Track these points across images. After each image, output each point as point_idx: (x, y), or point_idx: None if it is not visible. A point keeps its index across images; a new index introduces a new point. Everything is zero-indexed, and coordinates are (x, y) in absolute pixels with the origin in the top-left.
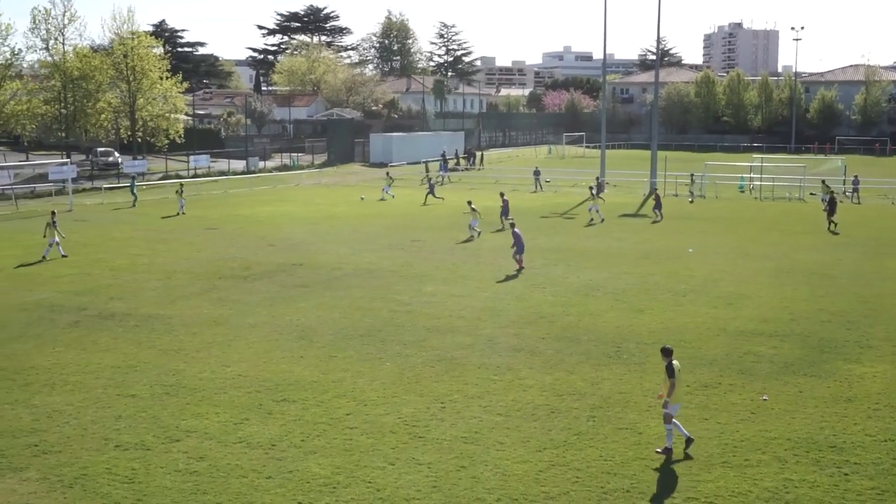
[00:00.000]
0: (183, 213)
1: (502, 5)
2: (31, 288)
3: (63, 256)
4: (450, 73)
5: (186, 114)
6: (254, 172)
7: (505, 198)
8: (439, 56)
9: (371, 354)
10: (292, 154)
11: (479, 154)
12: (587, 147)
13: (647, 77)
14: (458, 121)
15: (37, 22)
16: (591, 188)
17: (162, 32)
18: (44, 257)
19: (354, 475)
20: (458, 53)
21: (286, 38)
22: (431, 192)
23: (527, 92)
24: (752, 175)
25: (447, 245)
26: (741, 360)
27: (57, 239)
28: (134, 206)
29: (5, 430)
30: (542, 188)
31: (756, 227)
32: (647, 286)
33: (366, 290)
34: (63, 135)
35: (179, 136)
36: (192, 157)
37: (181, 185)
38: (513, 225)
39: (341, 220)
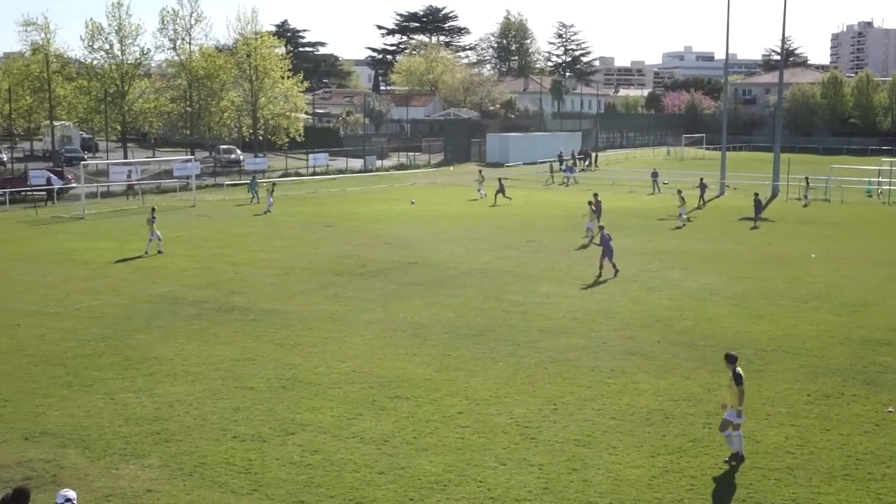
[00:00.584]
0: (269, 212)
1: (622, 5)
2: (156, 281)
3: (158, 252)
4: (568, 74)
5: (306, 112)
6: (371, 171)
7: (598, 199)
8: (557, 56)
9: (484, 354)
10: (409, 153)
11: (594, 155)
12: (707, 149)
13: (770, 77)
14: (575, 121)
15: (165, 22)
16: (679, 192)
17: (284, 32)
18: (157, 251)
19: (465, 474)
20: (577, 53)
21: (405, 38)
22: (501, 191)
23: (645, 92)
24: (880, 179)
25: (562, 246)
26: (866, 371)
27: (158, 234)
28: (252, 203)
29: (130, 418)
30: (659, 190)
31: (883, 232)
32: (768, 291)
33: (480, 290)
34: (188, 132)
35: (299, 135)
36: (311, 156)
37: (273, 184)
38: (602, 228)
39: (456, 219)
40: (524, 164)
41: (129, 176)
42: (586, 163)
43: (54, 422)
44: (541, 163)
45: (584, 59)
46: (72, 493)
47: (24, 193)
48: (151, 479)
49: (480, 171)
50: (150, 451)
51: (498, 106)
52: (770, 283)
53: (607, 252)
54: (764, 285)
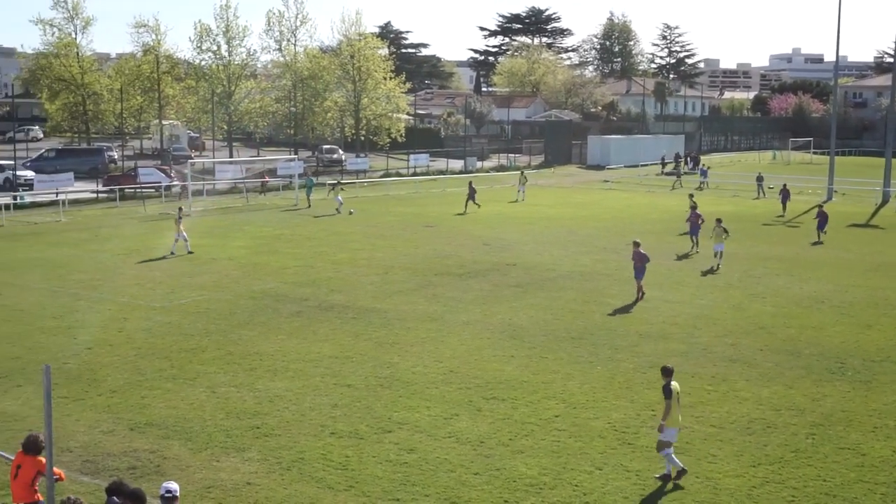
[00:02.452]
0: (338, 213)
1: (729, 6)
2: (260, 278)
3: (188, 252)
4: (671, 76)
5: (408, 113)
6: (471, 172)
7: (693, 202)
8: (661, 58)
9: (582, 357)
10: (510, 155)
11: (696, 159)
12: (814, 153)
13: (883, 80)
14: (678, 124)
15: (271, 24)
16: (690, 196)
17: (387, 34)
18: (187, 251)
19: (561, 477)
20: (681, 55)
21: (507, 39)
22: (472, 197)
23: (751, 95)
24: None
25: (664, 250)
26: None
27: (185, 234)
28: (307, 207)
29: (231, 412)
30: (764, 194)
31: None
32: (877, 300)
33: (579, 293)
34: (292, 132)
35: (401, 135)
36: (412, 156)
37: (340, 185)
38: (637, 244)
39: (556, 221)
40: (625, 166)
41: (262, 175)
42: (692, 166)
43: (159, 413)
44: (642, 166)
45: (689, 61)
46: (174, 486)
47: (133, 190)
48: (251, 472)
49: (523, 173)
50: (250, 445)
51: (600, 108)
52: (880, 291)
53: (638, 271)
54: (873, 294)
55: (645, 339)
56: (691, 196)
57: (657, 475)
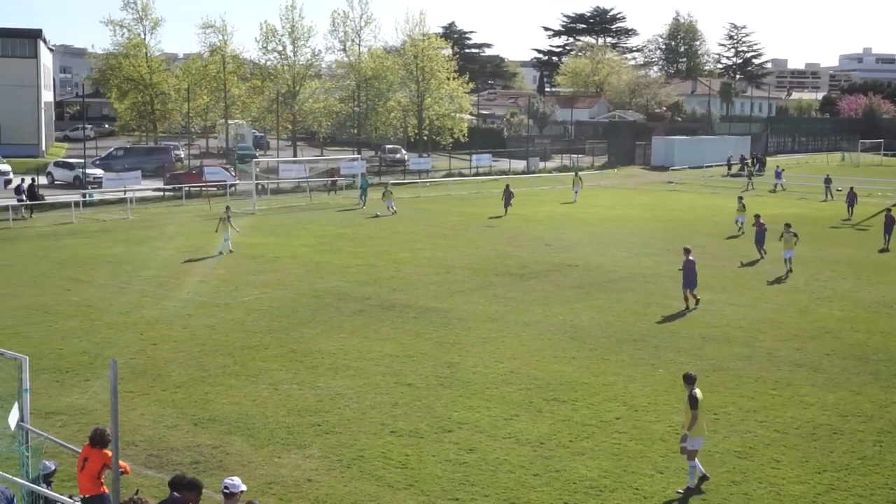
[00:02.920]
0: (395, 213)
1: (798, 5)
2: (322, 276)
3: (229, 251)
4: (738, 76)
5: (471, 113)
6: (534, 172)
7: (762, 221)
8: (727, 58)
9: (644, 360)
10: (572, 155)
11: (762, 159)
12: (885, 155)
13: None
14: (744, 125)
15: (336, 24)
16: (740, 198)
17: (451, 34)
18: (220, 253)
19: (622, 480)
20: (748, 55)
21: (571, 39)
22: (508, 202)
23: (820, 96)
24: None
25: (727, 252)
26: None
27: (228, 234)
28: (360, 207)
29: (292, 409)
30: (832, 197)
31: None
32: None
33: (641, 295)
34: (355, 132)
35: (463, 135)
36: (474, 156)
37: (388, 185)
38: (687, 252)
39: (619, 222)
40: (690, 168)
41: (332, 174)
42: (758, 168)
43: (222, 409)
44: (707, 167)
45: (756, 61)
46: (235, 481)
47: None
48: (311, 469)
49: (577, 174)
50: (311, 442)
51: (664, 108)
52: None
53: (688, 280)
54: None
55: (708, 342)
56: (740, 199)
57: (680, 490)
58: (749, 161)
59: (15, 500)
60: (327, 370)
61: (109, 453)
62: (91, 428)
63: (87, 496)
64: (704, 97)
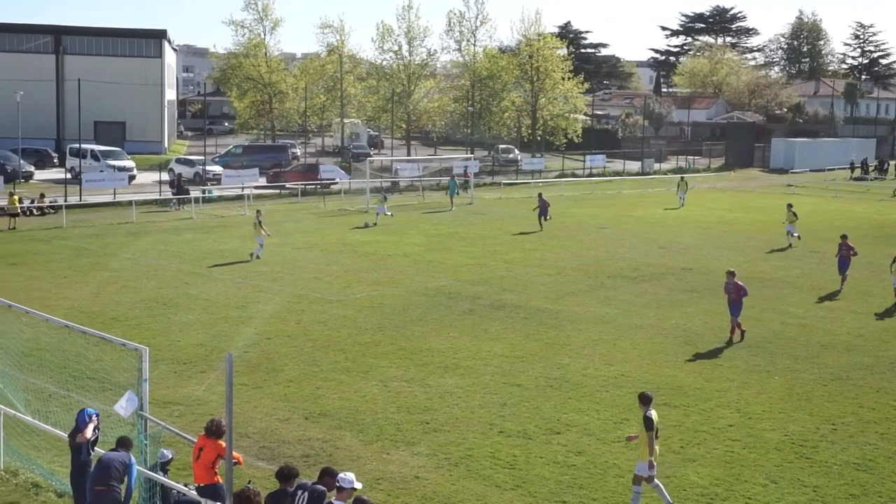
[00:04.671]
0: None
1: None
2: (433, 275)
3: (256, 258)
4: (863, 77)
5: (585, 114)
6: (648, 174)
7: (849, 243)
8: (853, 58)
9: (759, 366)
10: (688, 157)
11: (889, 164)
12: None
13: None
14: (869, 127)
15: (451, 24)
16: (789, 206)
17: (567, 34)
18: (257, 257)
19: (734, 489)
20: (875, 55)
21: (689, 39)
22: (544, 213)
23: None
24: None
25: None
26: None
27: (262, 238)
28: (451, 210)
29: (402, 406)
30: None
31: None
32: None
33: (757, 300)
34: (468, 131)
35: (577, 136)
36: (588, 157)
37: (384, 197)
38: (731, 274)
39: (736, 225)
40: (811, 171)
41: (465, 171)
42: (882, 171)
43: (332, 404)
44: (829, 170)
45: (883, 61)
46: (350, 476)
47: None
48: (419, 466)
49: (683, 178)
50: (420, 440)
51: (785, 110)
52: None
53: (734, 306)
54: None
55: (827, 350)
56: (790, 206)
57: None
58: (873, 165)
59: (134, 466)
60: (437, 368)
61: (224, 444)
62: (207, 419)
63: (201, 485)
64: (827, 98)
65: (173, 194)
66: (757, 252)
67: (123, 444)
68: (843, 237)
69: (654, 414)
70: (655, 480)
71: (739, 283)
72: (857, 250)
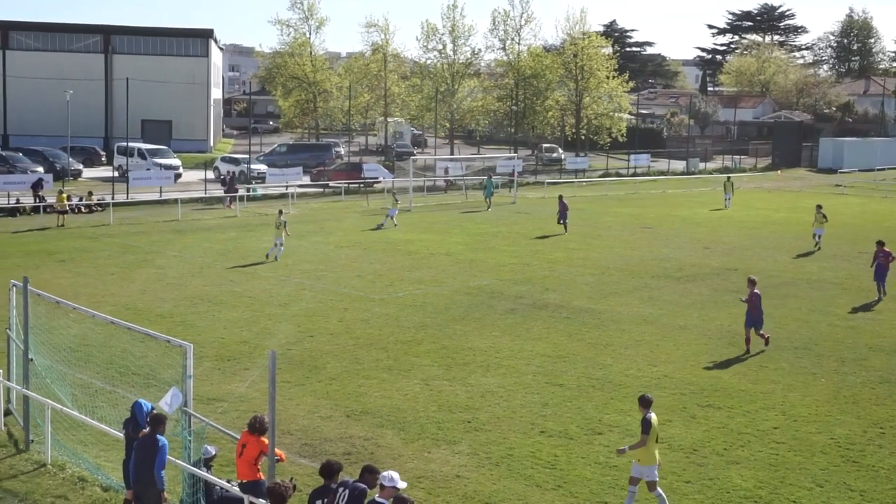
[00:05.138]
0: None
1: None
2: (476, 274)
3: (274, 259)
4: None
5: (630, 113)
6: (694, 173)
7: (887, 250)
8: None
9: (805, 368)
10: (735, 156)
11: None
12: None
13: None
14: None
15: (496, 23)
16: (818, 207)
17: (612, 32)
18: (275, 257)
19: (778, 492)
20: None
21: (736, 37)
22: (563, 217)
23: None
24: None
25: None
26: None
27: (282, 240)
28: (488, 210)
29: (443, 405)
30: None
31: None
32: None
33: (804, 301)
34: (512, 130)
35: (622, 135)
36: (632, 156)
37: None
38: (752, 283)
39: (783, 225)
40: (860, 171)
41: (512, 171)
42: None
43: (374, 402)
44: (879, 170)
45: None
46: (394, 475)
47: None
48: (460, 465)
49: (729, 178)
50: (461, 439)
51: (834, 109)
52: None
53: (752, 317)
54: None
55: (875, 352)
56: (819, 207)
57: None
58: None
59: (163, 447)
60: (478, 368)
61: (267, 441)
62: (250, 415)
63: (244, 481)
64: (878, 97)
65: (225, 192)
66: (803, 252)
67: (155, 421)
68: (880, 243)
69: (653, 417)
70: (658, 489)
71: (757, 291)
72: (895, 255)
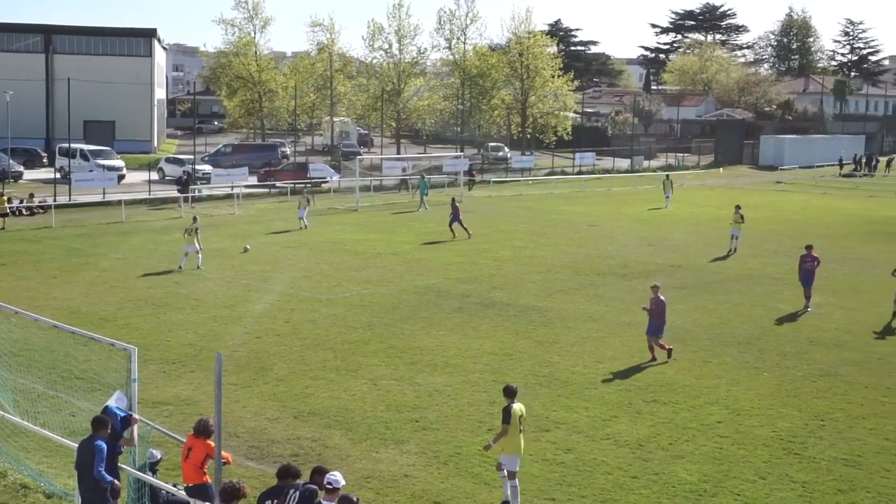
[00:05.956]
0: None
1: None
2: (423, 273)
3: (196, 267)
4: (853, 73)
5: (575, 111)
6: (638, 171)
7: (814, 254)
8: (842, 55)
9: (748, 363)
10: (678, 154)
11: (877, 160)
12: None
13: None
14: (859, 124)
15: (442, 22)
16: (737, 207)
17: (557, 32)
18: (196, 266)
19: (722, 485)
20: (864, 52)
21: (679, 36)
22: (456, 219)
23: None
24: None
25: (839, 254)
26: None
27: (197, 247)
28: (420, 210)
29: (391, 404)
30: None
31: None
32: None
33: (746, 297)
34: (458, 129)
35: (567, 134)
36: (577, 154)
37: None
38: (656, 289)
39: (725, 222)
40: (800, 167)
41: (470, 170)
42: (870, 168)
43: (322, 403)
44: (819, 167)
45: (873, 58)
46: (338, 476)
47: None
48: (409, 464)
49: (668, 177)
50: (409, 438)
51: (774, 107)
52: None
53: (653, 327)
54: None
55: (816, 346)
56: (738, 208)
57: None
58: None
59: (101, 448)
60: (426, 367)
61: (213, 444)
62: (196, 418)
63: (190, 485)
64: (817, 95)
65: (179, 192)
66: (746, 248)
67: (96, 424)
68: (808, 247)
69: (515, 407)
70: (515, 481)
71: (662, 298)
72: (820, 260)
